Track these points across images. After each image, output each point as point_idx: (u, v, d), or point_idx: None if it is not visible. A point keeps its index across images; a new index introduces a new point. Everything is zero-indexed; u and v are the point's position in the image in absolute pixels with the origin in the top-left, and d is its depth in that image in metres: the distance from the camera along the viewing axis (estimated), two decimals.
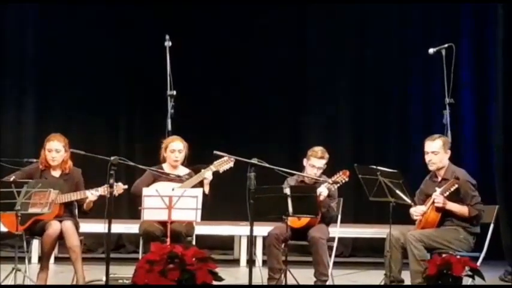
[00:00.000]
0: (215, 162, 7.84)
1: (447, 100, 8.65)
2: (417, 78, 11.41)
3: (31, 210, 7.06)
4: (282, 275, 7.52)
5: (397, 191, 7.32)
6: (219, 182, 8.02)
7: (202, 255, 6.55)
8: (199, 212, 7.21)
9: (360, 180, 7.54)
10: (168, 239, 7.15)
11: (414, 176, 8.38)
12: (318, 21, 11.55)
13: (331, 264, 7.92)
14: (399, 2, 11.37)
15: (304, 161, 8.07)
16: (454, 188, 7.34)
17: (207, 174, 7.80)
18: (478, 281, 7.02)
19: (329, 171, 8.07)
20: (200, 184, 7.75)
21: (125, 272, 7.83)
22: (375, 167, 7.51)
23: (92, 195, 7.56)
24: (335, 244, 8.03)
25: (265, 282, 7.81)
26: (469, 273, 6.88)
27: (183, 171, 8.01)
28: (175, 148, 7.96)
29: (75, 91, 11.07)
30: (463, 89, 10.97)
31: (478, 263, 7.21)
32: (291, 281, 7.55)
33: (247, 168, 7.02)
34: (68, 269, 8.12)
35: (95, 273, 8.05)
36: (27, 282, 7.47)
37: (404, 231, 7.52)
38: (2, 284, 7.26)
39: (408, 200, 7.39)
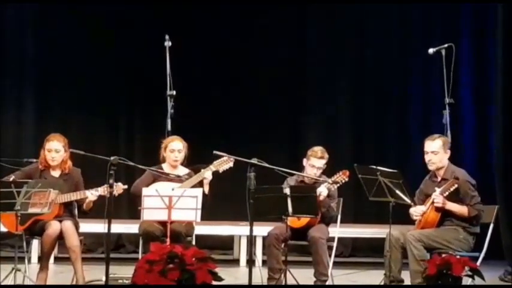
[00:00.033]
0: (215, 162, 7.84)
1: (447, 100, 8.65)
2: (417, 78, 11.41)
3: (31, 210, 7.06)
4: (282, 275, 7.52)
5: (397, 191, 7.32)
6: (218, 182, 8.02)
7: (202, 255, 6.56)
8: (199, 212, 7.22)
9: (360, 180, 7.54)
10: (168, 239, 7.15)
11: (414, 176, 8.38)
12: (318, 21, 11.56)
13: (331, 264, 7.93)
14: (399, 2, 11.37)
15: (304, 161, 8.07)
16: (453, 188, 7.35)
17: (207, 174, 7.80)
18: (477, 281, 7.03)
19: (329, 171, 8.07)
20: (200, 184, 7.76)
21: (124, 272, 7.83)
22: (374, 167, 7.51)
23: (91, 195, 7.56)
24: (335, 244, 8.04)
25: (265, 282, 7.81)
26: (469, 273, 6.89)
27: (183, 171, 8.01)
28: (174, 148, 7.96)
29: (75, 91, 11.08)
30: (463, 89, 10.98)
31: (478, 263, 7.21)
32: (290, 281, 7.55)
33: (247, 168, 7.02)
34: (67, 269, 8.12)
35: (95, 273, 8.05)
36: (27, 282, 7.48)
37: (404, 231, 7.52)
38: (2, 284, 7.27)
39: (408, 200, 7.39)
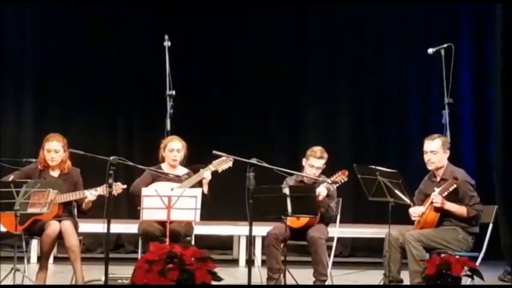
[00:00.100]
0: (214, 162, 7.85)
1: (446, 100, 8.66)
2: (416, 78, 11.41)
3: (30, 210, 7.06)
4: (281, 275, 7.52)
5: (396, 191, 7.33)
6: (218, 182, 8.03)
7: (201, 255, 6.56)
8: (198, 212, 7.22)
9: (359, 180, 7.56)
10: (167, 239, 7.15)
11: (413, 176, 8.37)
12: (318, 21, 11.55)
13: (330, 264, 7.93)
14: (399, 2, 11.37)
15: (303, 161, 8.07)
16: (452, 188, 7.35)
17: (206, 174, 7.81)
18: (477, 281, 7.03)
19: (328, 171, 8.07)
20: (199, 184, 7.76)
21: (124, 272, 7.82)
22: (374, 167, 7.53)
23: (90, 195, 7.56)
24: (334, 244, 8.04)
25: (264, 282, 7.81)
26: (468, 273, 6.89)
27: (182, 171, 8.02)
28: (173, 147, 7.97)
29: (74, 91, 11.07)
30: (462, 89, 10.99)
31: (477, 263, 7.22)
32: (290, 281, 7.53)
33: (246, 168, 7.02)
34: (67, 269, 8.12)
35: (94, 273, 8.05)
36: (26, 282, 7.48)
37: (403, 231, 7.53)
38: (1, 284, 7.26)
39: (407, 200, 7.40)
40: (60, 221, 7.53)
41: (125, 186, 7.56)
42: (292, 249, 9.26)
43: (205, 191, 7.74)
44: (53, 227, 7.44)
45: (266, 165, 7.18)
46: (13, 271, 7.12)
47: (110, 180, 6.87)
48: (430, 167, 7.70)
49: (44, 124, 10.73)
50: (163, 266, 6.37)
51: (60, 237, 7.52)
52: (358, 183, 7.62)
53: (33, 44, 11.16)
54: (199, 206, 7.20)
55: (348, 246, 11.06)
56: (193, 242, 7.93)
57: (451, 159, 7.77)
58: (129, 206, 9.83)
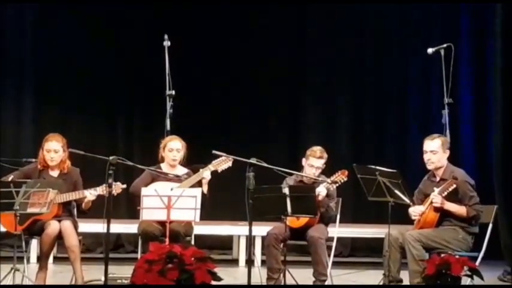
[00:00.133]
0: (213, 162, 7.85)
1: (446, 100, 8.66)
2: (416, 78, 11.41)
3: (30, 210, 7.07)
4: (281, 275, 7.52)
5: (396, 191, 7.34)
6: (217, 181, 8.03)
7: (201, 255, 6.55)
8: (198, 212, 7.22)
9: (359, 180, 7.56)
10: (167, 239, 7.15)
11: (413, 176, 8.38)
12: (318, 21, 11.55)
13: (330, 264, 7.93)
14: (399, 2, 11.37)
15: (303, 161, 8.07)
16: (452, 188, 7.35)
17: (206, 173, 7.81)
18: (476, 280, 7.04)
19: (328, 171, 8.07)
20: (199, 184, 7.76)
21: (123, 272, 7.81)
22: (373, 166, 7.53)
23: (90, 194, 7.56)
24: (334, 244, 8.04)
25: (264, 282, 7.81)
26: (468, 273, 6.89)
27: (182, 170, 8.02)
28: (173, 147, 7.97)
29: (74, 91, 11.07)
30: (462, 89, 10.99)
31: (477, 263, 7.22)
32: (289, 281, 7.53)
33: (246, 168, 7.02)
34: (66, 269, 8.12)
35: (94, 273, 8.04)
36: (26, 282, 7.48)
37: (403, 231, 7.53)
38: (1, 284, 7.26)
39: (407, 200, 7.40)
40: (59, 221, 7.53)
41: (124, 185, 7.55)
42: (292, 249, 9.28)
43: (205, 191, 7.74)
44: (52, 227, 7.44)
45: (266, 165, 7.18)
46: (13, 271, 7.12)
47: (110, 180, 6.87)
48: (429, 166, 7.70)
49: (44, 124, 10.73)
50: (163, 266, 6.37)
51: (59, 237, 7.51)
52: (358, 183, 7.62)
53: (33, 44, 11.16)
54: (199, 205, 7.20)
55: (348, 246, 11.06)
56: (193, 242, 7.93)
57: (450, 159, 7.78)
58: (128, 206, 9.85)
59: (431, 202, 7.44)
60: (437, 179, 7.67)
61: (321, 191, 7.77)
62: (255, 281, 7.35)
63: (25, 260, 7.73)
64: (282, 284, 7.51)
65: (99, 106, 11.10)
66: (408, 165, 10.20)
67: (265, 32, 11.35)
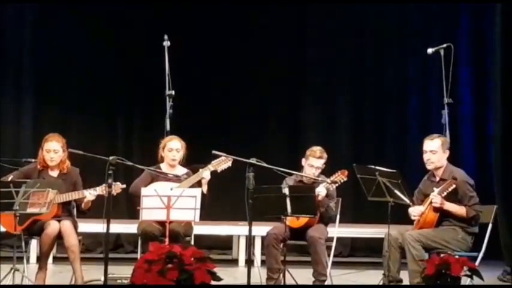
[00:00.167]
0: (213, 162, 7.85)
1: (446, 100, 8.67)
2: (416, 78, 11.41)
3: (29, 210, 7.07)
4: (281, 275, 7.52)
5: (396, 191, 7.34)
6: (217, 181, 8.03)
7: (200, 255, 6.54)
8: (197, 212, 7.21)
9: (359, 180, 7.56)
10: (167, 239, 7.15)
11: (413, 176, 8.39)
12: (318, 21, 11.55)
13: (329, 264, 7.93)
14: (399, 2, 11.37)
15: (303, 161, 8.07)
16: (451, 188, 7.35)
17: (205, 173, 7.81)
18: (476, 280, 7.03)
19: (328, 171, 8.07)
20: (198, 184, 7.76)
21: (123, 272, 7.82)
22: (373, 166, 7.53)
23: (90, 194, 7.56)
24: (334, 244, 8.04)
25: (263, 282, 7.81)
26: (468, 273, 6.88)
27: (181, 170, 8.02)
28: (173, 147, 7.97)
29: (74, 91, 11.09)
30: (462, 89, 10.99)
31: (477, 263, 7.22)
32: (289, 281, 7.53)
33: (246, 168, 7.02)
34: (66, 269, 8.12)
35: (94, 273, 8.04)
36: (26, 282, 7.48)
37: (403, 231, 7.53)
38: (1, 284, 7.26)
39: (407, 200, 7.40)
40: (59, 221, 7.53)
41: (124, 185, 7.55)
42: (292, 249, 9.28)
43: (205, 191, 7.73)
44: (52, 227, 7.44)
45: (265, 165, 7.18)
46: (12, 271, 7.12)
47: (110, 180, 6.87)
48: (429, 166, 7.70)
49: (44, 124, 10.74)
50: (162, 266, 6.36)
51: (59, 237, 7.52)
52: (358, 183, 7.62)
53: (33, 44, 11.16)
54: (198, 206, 7.19)
55: (348, 246, 11.06)
56: (192, 242, 7.93)
57: (450, 159, 7.78)
58: (128, 206, 9.84)
59: (431, 202, 7.45)
60: (437, 179, 7.67)
61: (321, 191, 7.77)
62: (254, 281, 7.36)
63: (25, 260, 7.75)
64: (282, 284, 7.51)
65: (99, 106, 11.10)
66: (408, 165, 10.20)
67: (265, 32, 11.36)
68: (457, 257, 6.91)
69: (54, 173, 7.77)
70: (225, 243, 10.83)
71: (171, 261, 6.40)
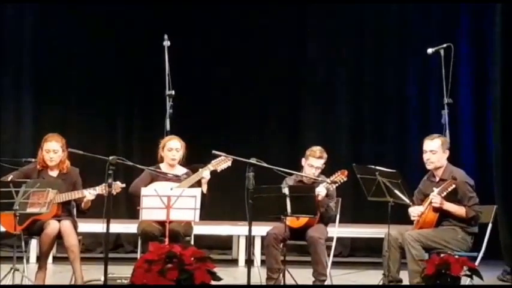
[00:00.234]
0: (213, 162, 7.85)
1: (446, 100, 8.67)
2: (416, 78, 11.41)
3: (29, 210, 7.07)
4: (281, 275, 7.52)
5: (396, 191, 7.34)
6: (217, 181, 8.03)
7: (200, 255, 6.55)
8: (197, 212, 7.21)
9: (359, 180, 7.56)
10: (167, 239, 7.15)
11: (413, 176, 8.39)
12: (318, 21, 11.55)
13: (329, 264, 7.93)
14: (399, 2, 11.38)
15: (303, 161, 8.07)
16: (451, 188, 7.35)
17: (205, 173, 7.81)
18: (476, 280, 7.03)
19: (328, 171, 8.07)
20: (198, 184, 7.76)
21: (123, 272, 7.81)
22: (373, 166, 7.53)
23: (89, 194, 7.56)
24: (333, 244, 8.04)
25: (263, 282, 7.81)
26: (468, 273, 6.88)
27: (181, 170, 8.02)
28: (172, 147, 7.97)
29: (74, 91, 11.10)
30: (462, 89, 10.99)
31: (476, 263, 7.22)
32: (289, 281, 7.52)
33: (246, 168, 7.02)
34: (66, 269, 8.12)
35: (93, 273, 8.04)
36: (26, 282, 7.47)
37: (403, 231, 7.53)
38: (1, 284, 7.26)
39: (407, 200, 7.40)
40: (59, 221, 7.53)
41: (123, 185, 7.54)
42: (292, 249, 9.28)
43: (205, 191, 7.73)
44: (52, 227, 7.44)
45: (265, 165, 7.18)
46: (12, 271, 7.12)
47: (109, 180, 6.87)
48: (429, 166, 7.70)
49: (44, 124, 10.70)
50: (162, 265, 6.36)
51: (59, 236, 7.52)
52: (358, 183, 7.62)
53: (33, 44, 11.16)
54: (198, 205, 7.19)
55: (348, 246, 11.06)
56: (192, 242, 7.92)
57: (450, 159, 7.77)
58: (128, 205, 9.85)
59: (431, 202, 7.45)
60: (437, 179, 7.67)
61: (321, 191, 7.77)
62: (254, 281, 7.36)
63: (24, 260, 7.75)
64: (282, 284, 7.51)
65: (99, 106, 11.10)
66: (408, 165, 10.20)
67: (265, 32, 11.36)
68: (457, 257, 6.91)
69: (54, 173, 7.77)
70: (225, 243, 10.83)
71: (171, 261, 6.40)
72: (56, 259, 9.49)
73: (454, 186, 7.36)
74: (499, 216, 8.73)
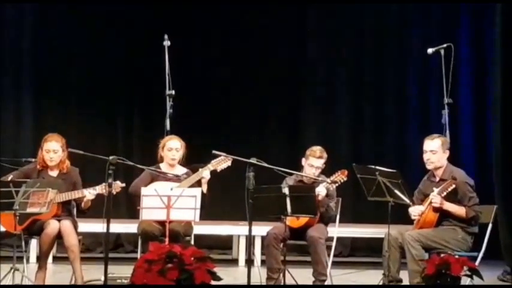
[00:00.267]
0: (212, 161, 7.85)
1: (446, 100, 8.67)
2: (416, 78, 11.41)
3: (29, 210, 7.07)
4: (281, 275, 7.51)
5: (396, 191, 7.34)
6: (217, 181, 8.04)
7: (200, 254, 6.55)
8: (197, 212, 7.21)
9: (359, 180, 7.56)
10: (167, 239, 7.15)
11: (413, 176, 8.39)
12: (318, 21, 11.55)
13: (329, 263, 7.93)
14: (399, 2, 11.38)
15: (303, 161, 8.07)
16: (451, 188, 7.36)
17: (205, 173, 7.81)
18: (476, 280, 7.04)
19: (328, 170, 8.07)
20: (198, 183, 7.76)
21: (123, 272, 7.80)
22: (373, 166, 7.53)
23: (89, 194, 7.56)
24: (334, 244, 8.04)
25: (263, 282, 7.80)
26: (468, 273, 6.88)
27: (181, 170, 8.02)
28: (172, 146, 7.97)
29: (74, 91, 11.10)
30: (462, 89, 10.99)
31: (477, 263, 7.23)
32: (289, 281, 7.52)
33: (246, 168, 7.02)
34: (66, 269, 8.12)
35: (93, 272, 8.04)
36: (26, 282, 7.47)
37: (403, 231, 7.53)
38: (1, 283, 7.26)
39: (407, 200, 7.40)
40: (59, 221, 7.53)
41: (123, 184, 7.53)
42: (292, 249, 9.28)
43: (205, 191, 7.73)
44: (52, 227, 7.44)
45: (266, 165, 7.18)
46: (12, 271, 7.12)
47: (110, 180, 6.87)
48: (429, 166, 7.70)
49: (44, 124, 10.70)
50: (162, 265, 6.36)
51: (59, 236, 7.52)
52: (358, 183, 7.62)
53: (33, 44, 11.15)
54: (198, 205, 7.19)
55: (348, 246, 11.06)
56: (192, 242, 7.93)
57: (450, 159, 7.78)
58: (128, 205, 9.85)
59: (431, 202, 7.45)
60: (437, 179, 7.67)
61: (321, 190, 7.77)
62: (254, 281, 7.36)
63: (24, 260, 7.74)
64: (282, 284, 7.50)
65: (99, 106, 11.09)
66: (408, 165, 10.21)
67: (265, 32, 11.36)
68: (457, 256, 6.92)
69: (54, 173, 7.77)
70: (225, 243, 10.83)
71: (171, 261, 6.40)
72: (56, 259, 9.49)
73: (454, 186, 7.36)
74: (499, 216, 8.73)
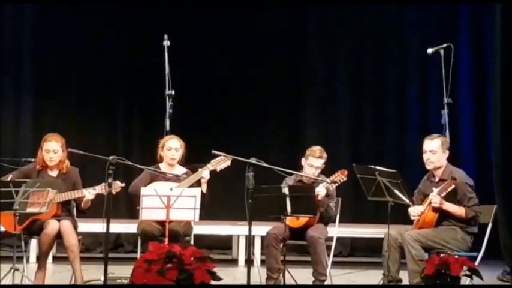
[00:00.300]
0: (212, 161, 7.85)
1: (445, 100, 8.67)
2: (416, 78, 11.41)
3: (29, 210, 7.07)
4: (281, 275, 7.52)
5: (396, 191, 7.34)
6: (217, 181, 8.04)
7: (200, 254, 6.54)
8: (197, 212, 7.21)
9: (359, 180, 7.56)
10: (167, 239, 7.16)
11: (412, 176, 8.39)
12: (318, 21, 11.55)
13: (329, 263, 7.93)
14: (399, 2, 11.37)
15: (303, 161, 8.07)
16: (451, 188, 7.36)
17: (205, 173, 7.81)
18: (476, 280, 7.03)
19: (328, 170, 8.07)
20: (198, 183, 7.76)
21: (123, 272, 7.81)
22: (373, 166, 7.53)
23: (89, 194, 7.56)
24: (333, 244, 8.04)
25: (263, 282, 7.81)
26: (467, 273, 6.88)
27: (181, 170, 8.02)
28: (172, 146, 7.97)
29: (74, 91, 11.11)
30: (462, 89, 10.98)
31: (476, 263, 7.23)
32: (289, 281, 7.52)
33: (245, 168, 7.03)
34: (66, 269, 8.12)
35: (93, 272, 8.05)
36: (25, 281, 7.48)
37: (402, 231, 7.53)
38: (1, 283, 7.26)
39: (406, 200, 7.40)
40: (59, 221, 7.53)
41: (123, 184, 7.54)
42: (292, 249, 9.29)
43: (204, 191, 7.73)
44: (51, 227, 7.44)
45: (265, 164, 7.18)
46: (12, 271, 7.12)
47: (109, 180, 6.87)
48: (429, 166, 7.70)
49: (44, 124, 10.72)
50: (162, 265, 6.36)
51: (59, 236, 7.52)
52: (358, 183, 7.62)
53: (33, 44, 11.15)
54: (198, 205, 7.20)
55: (347, 246, 11.05)
56: (192, 242, 7.93)
57: (450, 159, 7.77)
58: (128, 205, 9.85)
59: (431, 202, 7.45)
60: (437, 179, 7.67)
61: (321, 190, 7.77)
62: (254, 280, 7.37)
63: (24, 260, 7.76)
64: (282, 284, 7.51)
65: (99, 106, 11.09)
66: (408, 165, 10.21)
67: (265, 32, 11.35)
68: (456, 257, 6.92)
69: (54, 173, 7.77)
70: (224, 243, 10.83)
71: (170, 261, 6.40)
72: (55, 259, 9.49)
73: (453, 186, 7.37)
74: (499, 216, 8.73)
